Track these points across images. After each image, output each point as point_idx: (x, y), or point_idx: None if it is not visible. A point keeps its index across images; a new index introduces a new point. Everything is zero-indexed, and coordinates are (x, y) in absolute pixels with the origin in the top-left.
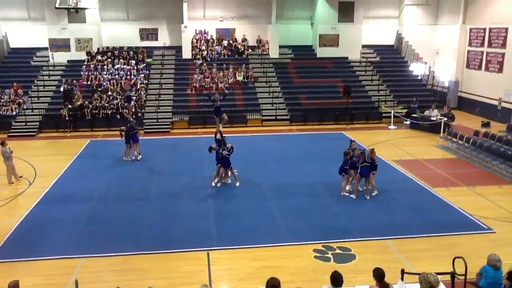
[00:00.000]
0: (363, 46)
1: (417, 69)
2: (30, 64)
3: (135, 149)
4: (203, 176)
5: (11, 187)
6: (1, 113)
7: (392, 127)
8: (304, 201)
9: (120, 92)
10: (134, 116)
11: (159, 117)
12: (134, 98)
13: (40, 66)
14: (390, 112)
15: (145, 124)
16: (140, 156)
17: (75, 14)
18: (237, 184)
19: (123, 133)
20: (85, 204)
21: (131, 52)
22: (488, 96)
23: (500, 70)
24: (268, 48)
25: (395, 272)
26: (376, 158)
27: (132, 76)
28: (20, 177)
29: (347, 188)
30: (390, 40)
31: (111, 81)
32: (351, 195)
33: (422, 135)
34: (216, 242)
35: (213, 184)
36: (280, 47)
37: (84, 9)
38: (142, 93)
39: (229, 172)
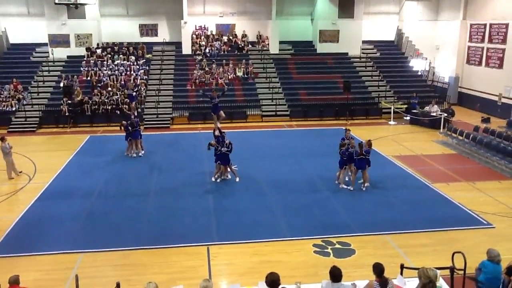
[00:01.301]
0: (363, 42)
1: (417, 65)
2: (30, 59)
3: (137, 146)
4: (203, 172)
5: (11, 182)
6: (1, 108)
7: (392, 122)
8: (303, 196)
9: (120, 88)
10: (136, 114)
11: (159, 112)
12: (135, 94)
13: (40, 62)
14: (390, 108)
15: (145, 119)
16: (142, 152)
17: (75, 9)
18: (237, 179)
19: (123, 127)
20: (85, 200)
21: (131, 48)
22: (488, 91)
23: (500, 66)
24: (268, 44)
25: (394, 267)
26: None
27: (132, 72)
28: (20, 172)
29: (346, 179)
30: (391, 36)
31: (111, 77)
32: (348, 187)
33: (422, 131)
34: (216, 237)
35: (213, 179)
36: (280, 42)
37: (83, 4)
38: (142, 88)
39: (229, 168)
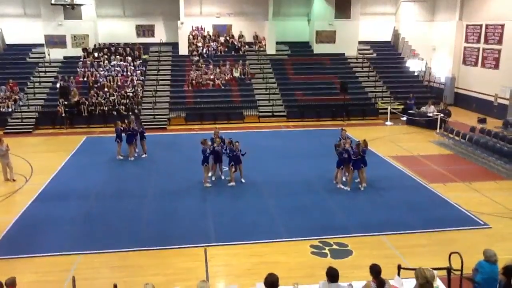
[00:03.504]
0: (360, 43)
1: (413, 65)
2: (26, 60)
3: (134, 148)
4: (200, 173)
5: (7, 183)
6: None
7: (388, 123)
8: (301, 197)
9: (117, 88)
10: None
11: (155, 113)
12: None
13: (36, 62)
14: (387, 108)
15: (142, 120)
16: (145, 155)
17: (71, 10)
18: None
19: (115, 127)
20: (82, 201)
21: (128, 49)
22: (484, 92)
23: (496, 66)
24: (265, 45)
25: (391, 267)
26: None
27: (129, 73)
28: (13, 180)
29: (343, 179)
30: (387, 37)
31: (108, 78)
32: (345, 188)
33: (418, 131)
34: (213, 239)
35: (209, 184)
36: (277, 43)
37: (80, 5)
38: (139, 89)
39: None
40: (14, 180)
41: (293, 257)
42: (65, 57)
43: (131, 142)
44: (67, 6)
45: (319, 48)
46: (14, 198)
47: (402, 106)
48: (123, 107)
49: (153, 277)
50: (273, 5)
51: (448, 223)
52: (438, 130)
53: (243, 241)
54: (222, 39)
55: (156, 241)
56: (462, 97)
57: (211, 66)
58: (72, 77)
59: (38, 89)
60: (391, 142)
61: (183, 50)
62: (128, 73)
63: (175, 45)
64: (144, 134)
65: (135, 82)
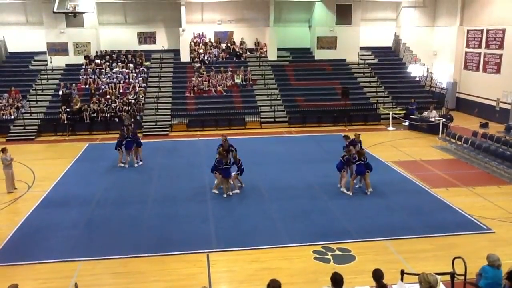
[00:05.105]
0: (361, 48)
1: (415, 71)
2: (28, 68)
3: (132, 154)
4: (202, 179)
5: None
6: None
7: (390, 128)
8: (303, 202)
9: (119, 95)
10: (132, 125)
11: (157, 120)
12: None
13: (38, 70)
14: (389, 114)
15: (144, 127)
16: (141, 162)
17: (73, 18)
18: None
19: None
20: (84, 208)
21: (129, 56)
22: (486, 97)
23: (497, 71)
24: (266, 51)
25: (394, 272)
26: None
27: (131, 80)
28: (15, 189)
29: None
30: (388, 42)
31: (109, 85)
32: (347, 192)
33: (420, 136)
34: (215, 244)
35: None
36: (278, 49)
37: (82, 13)
38: (141, 96)
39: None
40: (15, 188)
41: (295, 263)
42: (67, 65)
43: (130, 149)
44: (69, 14)
45: (320, 54)
46: (16, 205)
47: (404, 111)
48: (125, 114)
49: (154, 283)
50: (274, 11)
51: (451, 228)
52: (440, 135)
53: (245, 247)
54: (223, 45)
55: (158, 247)
56: (464, 102)
57: (212, 73)
58: (74, 84)
59: (40, 97)
60: (393, 147)
61: (185, 57)
62: (130, 80)
63: (176, 52)
64: (140, 141)
65: (137, 89)
